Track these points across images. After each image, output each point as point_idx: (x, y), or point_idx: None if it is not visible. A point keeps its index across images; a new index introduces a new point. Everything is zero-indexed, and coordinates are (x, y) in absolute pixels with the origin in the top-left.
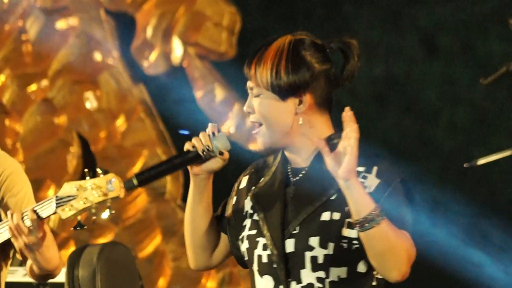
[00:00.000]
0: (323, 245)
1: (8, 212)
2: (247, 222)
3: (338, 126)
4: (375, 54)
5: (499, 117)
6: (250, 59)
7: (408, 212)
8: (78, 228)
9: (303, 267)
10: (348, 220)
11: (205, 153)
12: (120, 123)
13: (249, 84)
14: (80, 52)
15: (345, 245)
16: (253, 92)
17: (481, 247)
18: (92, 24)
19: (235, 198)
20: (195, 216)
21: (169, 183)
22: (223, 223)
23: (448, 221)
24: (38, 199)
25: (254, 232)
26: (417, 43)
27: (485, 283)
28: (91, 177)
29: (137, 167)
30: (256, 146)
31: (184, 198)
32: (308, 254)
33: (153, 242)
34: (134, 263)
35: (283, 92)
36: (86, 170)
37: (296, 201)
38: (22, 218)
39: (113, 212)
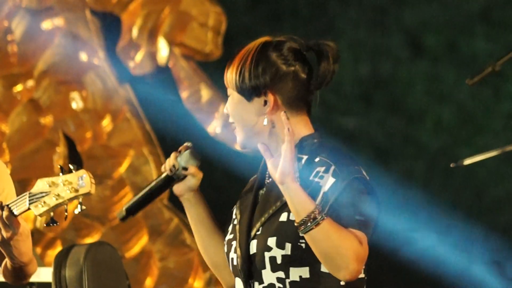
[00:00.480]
0: (280, 245)
1: None
2: (230, 228)
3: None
4: (361, 53)
5: (485, 117)
6: (229, 62)
7: (362, 209)
8: (51, 225)
9: (264, 267)
10: None
11: (172, 173)
12: (106, 123)
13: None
14: (66, 52)
15: (303, 245)
16: (228, 93)
17: (466, 247)
18: (78, 25)
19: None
20: (202, 237)
21: None
22: None
23: (432, 221)
24: None
25: (231, 236)
26: (403, 43)
27: (471, 283)
28: (63, 174)
29: (123, 167)
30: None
31: (171, 198)
32: (267, 255)
33: (140, 242)
34: (121, 263)
35: (246, 92)
36: (59, 166)
37: (262, 203)
38: None
39: (84, 208)
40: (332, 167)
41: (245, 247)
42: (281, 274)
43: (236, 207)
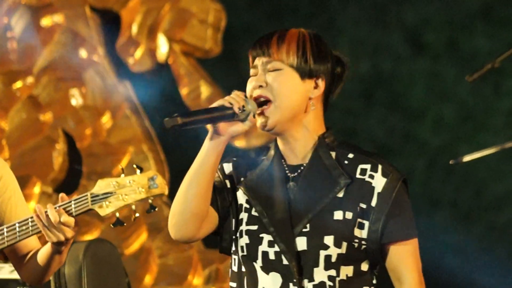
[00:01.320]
0: (337, 244)
1: (38, 209)
2: (244, 216)
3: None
4: (362, 51)
5: (485, 114)
6: (267, 38)
7: (411, 211)
8: (117, 225)
9: (317, 265)
10: (359, 220)
11: (239, 113)
12: (106, 120)
13: (263, 60)
14: (66, 49)
15: (356, 244)
16: (268, 67)
17: (466, 244)
18: (77, 21)
19: (227, 182)
20: (201, 179)
21: None
22: (214, 199)
23: (434, 218)
24: (23, 196)
25: (254, 227)
26: (403, 41)
27: (468, 279)
28: (126, 174)
29: (122, 164)
30: (260, 122)
31: (170, 196)
32: (322, 253)
33: (139, 239)
34: (120, 260)
35: (306, 71)
36: (121, 167)
37: (300, 198)
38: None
39: (156, 209)
40: (380, 166)
41: (292, 243)
42: (332, 272)
43: (238, 193)
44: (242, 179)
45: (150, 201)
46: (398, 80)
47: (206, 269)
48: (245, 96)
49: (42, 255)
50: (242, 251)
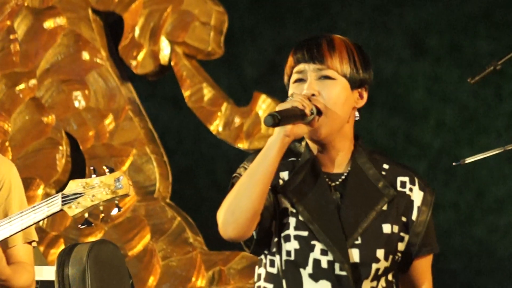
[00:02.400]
0: (386, 257)
1: None
2: (291, 221)
3: None
4: None
5: (486, 116)
6: (316, 44)
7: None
8: (85, 226)
9: (367, 277)
10: (401, 233)
11: (310, 113)
12: (109, 122)
13: (313, 66)
14: (68, 51)
15: (396, 257)
16: (320, 75)
17: (468, 246)
18: (80, 24)
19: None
20: (269, 178)
21: (158, 182)
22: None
23: (436, 220)
24: (27, 198)
25: (305, 233)
26: (405, 43)
27: (470, 281)
28: (96, 175)
29: (125, 166)
30: (313, 133)
31: (173, 198)
32: (374, 266)
33: (143, 241)
34: (124, 262)
35: (356, 82)
36: (92, 168)
37: (347, 209)
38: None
39: (122, 209)
40: (416, 179)
41: (347, 254)
42: (374, 283)
43: (281, 195)
44: (280, 181)
45: (116, 201)
46: (399, 83)
47: (209, 270)
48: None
49: None
50: (289, 255)
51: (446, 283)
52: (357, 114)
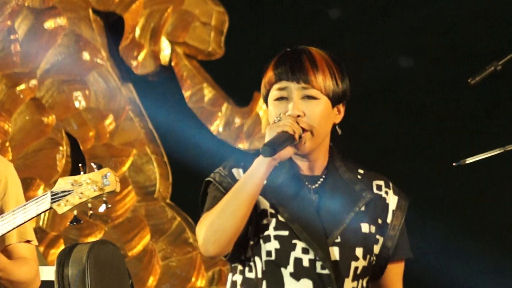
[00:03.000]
0: (364, 256)
1: None
2: (271, 221)
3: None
4: (362, 54)
5: (487, 116)
6: (298, 62)
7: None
8: (74, 223)
9: (347, 276)
10: (377, 236)
11: (298, 137)
12: (109, 122)
13: (297, 85)
14: (69, 51)
15: (372, 259)
16: (304, 95)
17: (469, 246)
18: (81, 24)
19: None
20: (251, 200)
21: (158, 182)
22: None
23: (436, 220)
24: (27, 198)
25: (285, 233)
26: (404, 43)
27: (469, 282)
28: (85, 172)
29: (126, 166)
30: (300, 149)
31: (173, 198)
32: (353, 264)
33: (143, 241)
34: (124, 262)
35: (338, 99)
36: (80, 165)
37: (327, 209)
38: None
39: (110, 206)
40: (391, 184)
41: (328, 252)
42: (355, 284)
43: (263, 199)
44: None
45: (104, 198)
46: (399, 83)
47: (209, 270)
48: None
49: None
50: (269, 255)
51: (445, 284)
52: (339, 130)
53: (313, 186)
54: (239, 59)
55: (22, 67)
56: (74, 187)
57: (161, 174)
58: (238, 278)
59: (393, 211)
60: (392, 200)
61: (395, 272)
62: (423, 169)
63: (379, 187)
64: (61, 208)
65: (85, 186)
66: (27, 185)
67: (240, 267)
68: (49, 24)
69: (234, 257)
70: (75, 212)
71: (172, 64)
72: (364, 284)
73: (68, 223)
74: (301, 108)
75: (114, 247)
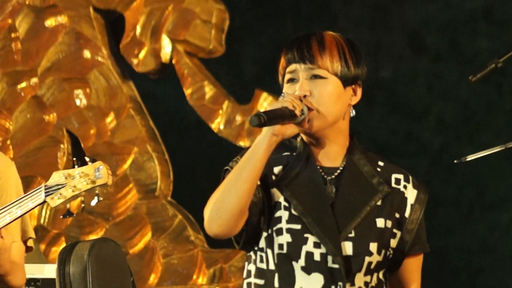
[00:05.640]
0: (379, 251)
1: None
2: (283, 214)
3: None
4: (363, 52)
5: (487, 113)
6: (306, 43)
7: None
8: (67, 216)
9: (360, 270)
10: (394, 229)
11: (300, 114)
12: (110, 120)
13: (304, 66)
14: (70, 49)
15: (388, 253)
16: (311, 75)
17: (469, 244)
18: (82, 22)
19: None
20: (256, 176)
21: (159, 180)
22: (260, 197)
23: (437, 218)
24: None
25: (298, 227)
26: (405, 41)
27: (471, 279)
28: (79, 166)
29: (127, 164)
30: (304, 127)
31: (174, 195)
32: (367, 259)
33: (144, 239)
34: (125, 259)
35: (349, 79)
36: (74, 159)
37: (342, 203)
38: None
39: (101, 199)
40: (411, 178)
41: (340, 247)
42: (368, 278)
43: (274, 190)
44: (272, 176)
45: (96, 191)
46: (400, 80)
47: (210, 268)
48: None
49: None
50: (281, 249)
51: (447, 281)
52: (353, 111)
53: (330, 178)
54: (240, 56)
55: (23, 65)
56: (67, 180)
57: (162, 172)
58: (252, 268)
59: (412, 205)
60: (411, 194)
61: (413, 265)
62: (423, 167)
63: (397, 181)
64: (54, 201)
65: (78, 180)
66: (28, 183)
67: (253, 257)
68: (49, 22)
69: (248, 245)
70: (68, 206)
71: (173, 62)
72: (381, 276)
73: (61, 217)
74: (307, 88)
75: (115, 245)
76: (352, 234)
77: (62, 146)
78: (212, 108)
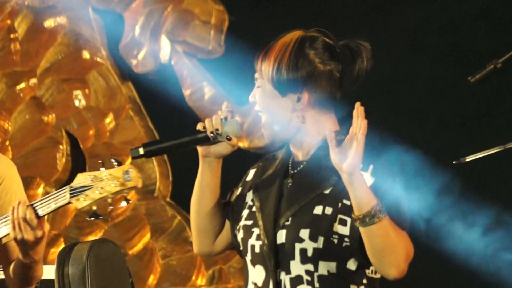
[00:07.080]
0: (313, 238)
1: (16, 204)
2: (245, 213)
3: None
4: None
5: (487, 114)
6: (259, 52)
7: (403, 212)
8: (93, 218)
9: (293, 258)
10: (340, 216)
11: (213, 136)
12: (109, 121)
13: (256, 75)
14: (69, 50)
15: (335, 240)
16: (257, 83)
17: (468, 243)
18: (81, 23)
19: (240, 189)
20: (201, 197)
21: (158, 180)
22: (228, 210)
23: (436, 218)
24: (27, 197)
25: (250, 222)
26: (404, 41)
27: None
28: (105, 168)
29: (126, 165)
30: (259, 140)
31: (173, 196)
32: (298, 246)
33: (143, 240)
34: (124, 260)
35: (282, 87)
36: (100, 161)
37: (291, 193)
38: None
39: (130, 201)
40: (371, 166)
41: (272, 236)
42: (310, 267)
43: (249, 192)
44: (257, 180)
45: (125, 194)
46: (399, 81)
47: (209, 269)
48: (225, 119)
49: (16, 261)
50: (239, 246)
51: (447, 281)
52: (299, 118)
53: (293, 172)
54: (239, 57)
55: (22, 66)
56: (94, 182)
57: (161, 172)
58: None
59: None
60: (367, 181)
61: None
62: (423, 168)
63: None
64: (80, 202)
65: (105, 182)
66: (27, 184)
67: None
68: (49, 23)
69: (239, 252)
70: (94, 207)
71: (172, 62)
72: (333, 270)
73: (88, 218)
74: (252, 98)
75: (114, 246)
76: (288, 222)
77: (61, 147)
78: (211, 109)
